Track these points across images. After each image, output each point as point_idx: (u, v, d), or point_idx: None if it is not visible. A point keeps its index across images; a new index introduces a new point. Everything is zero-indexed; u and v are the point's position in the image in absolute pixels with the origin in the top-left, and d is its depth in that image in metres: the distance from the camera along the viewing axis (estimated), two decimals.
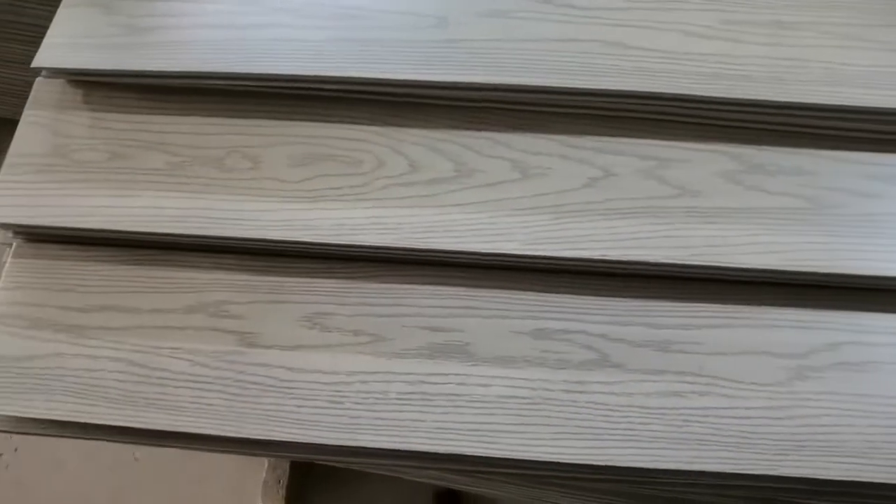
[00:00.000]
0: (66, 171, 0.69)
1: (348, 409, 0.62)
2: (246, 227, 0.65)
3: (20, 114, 1.28)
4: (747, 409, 0.62)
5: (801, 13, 0.70)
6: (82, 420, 0.63)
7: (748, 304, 0.66)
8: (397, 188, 0.67)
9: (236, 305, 0.67)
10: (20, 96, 1.39)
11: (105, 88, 0.73)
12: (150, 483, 1.35)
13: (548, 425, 0.62)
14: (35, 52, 0.72)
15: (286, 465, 1.33)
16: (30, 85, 1.27)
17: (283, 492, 1.32)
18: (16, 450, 1.38)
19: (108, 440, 0.66)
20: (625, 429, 0.62)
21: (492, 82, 0.66)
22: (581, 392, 0.63)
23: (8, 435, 1.40)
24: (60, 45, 0.71)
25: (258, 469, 1.33)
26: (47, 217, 0.68)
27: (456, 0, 0.71)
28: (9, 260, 0.70)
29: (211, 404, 0.63)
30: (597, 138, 0.69)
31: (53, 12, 0.77)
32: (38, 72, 0.73)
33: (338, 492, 1.36)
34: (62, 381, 0.64)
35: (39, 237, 0.71)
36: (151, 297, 0.68)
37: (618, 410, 0.62)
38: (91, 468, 1.36)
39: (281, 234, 0.65)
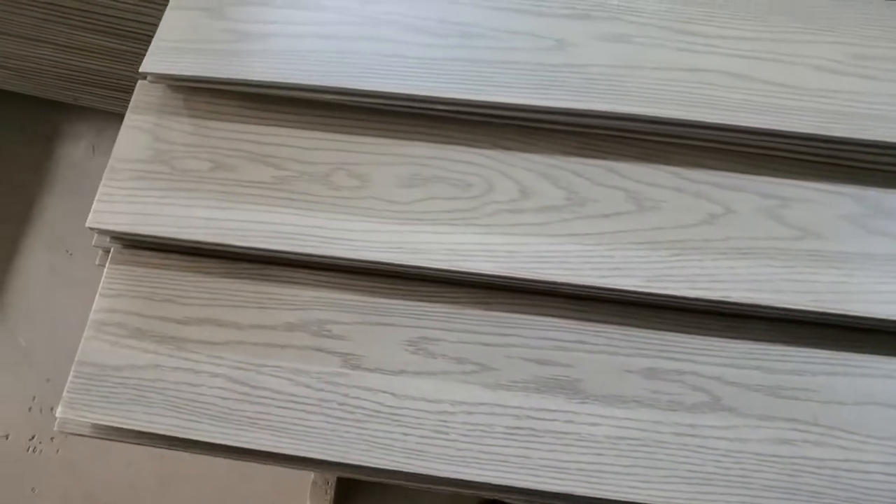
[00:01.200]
0: (168, 179, 0.68)
1: (454, 440, 0.61)
2: (355, 248, 0.64)
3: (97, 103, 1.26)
4: (864, 462, 0.60)
5: None
6: (184, 436, 0.62)
7: (865, 351, 0.64)
8: (508, 214, 0.65)
9: (339, 325, 0.66)
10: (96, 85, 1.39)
11: (207, 94, 0.72)
12: (198, 474, 1.35)
13: (658, 468, 0.60)
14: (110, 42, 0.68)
15: None
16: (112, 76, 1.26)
17: (331, 493, 1.32)
18: (67, 434, 1.39)
19: (205, 454, 0.66)
20: (737, 475, 0.60)
21: (611, 111, 0.64)
22: (692, 435, 0.61)
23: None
24: (169, 50, 0.69)
25: None
26: (148, 226, 0.67)
27: (574, 22, 0.69)
28: (107, 266, 0.69)
29: (314, 427, 0.62)
30: (714, 172, 0.67)
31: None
32: (126, 63, 0.72)
33: (382, 495, 1.36)
34: (163, 394, 0.64)
35: (138, 244, 0.70)
36: (252, 312, 0.67)
37: (729, 456, 0.61)
38: (140, 456, 1.36)
39: (391, 256, 0.64)
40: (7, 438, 1.37)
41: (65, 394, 0.64)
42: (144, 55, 0.69)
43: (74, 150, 1.61)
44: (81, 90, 1.45)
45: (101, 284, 0.68)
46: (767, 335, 0.65)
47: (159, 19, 0.71)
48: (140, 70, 0.68)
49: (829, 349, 0.64)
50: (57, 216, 1.56)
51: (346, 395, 0.63)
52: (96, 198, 0.68)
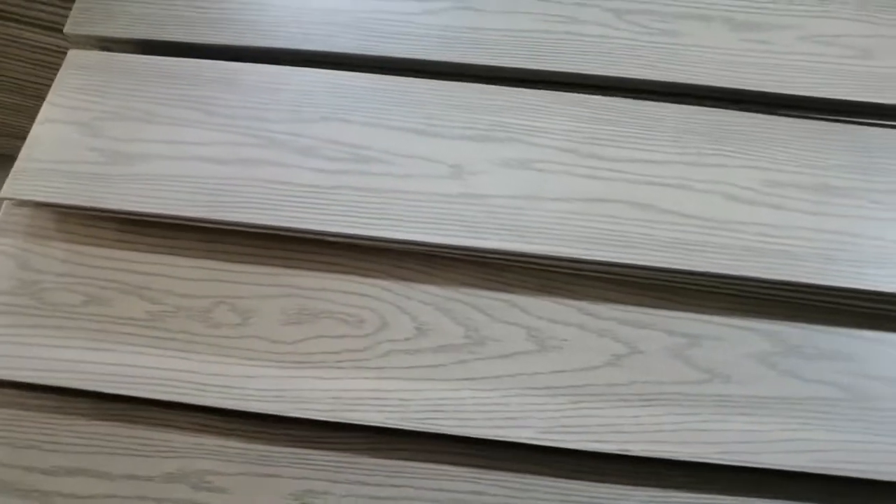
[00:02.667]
0: (35, 315, 0.63)
1: None
2: (233, 396, 0.59)
3: None
4: None
5: (851, 176, 0.65)
6: None
7: (778, 497, 0.61)
8: (402, 356, 0.61)
9: (221, 477, 0.61)
10: None
11: (80, 216, 0.66)
12: None
13: None
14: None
15: None
16: None
17: None
18: None
19: None
20: None
21: (510, 250, 0.60)
22: None
23: None
24: (35, 171, 0.63)
25: None
26: (9, 369, 0.61)
27: (473, 145, 0.65)
28: None
29: None
30: (620, 307, 0.63)
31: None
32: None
33: None
34: None
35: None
36: (127, 460, 0.61)
37: None
38: None
39: (271, 407, 0.59)
40: None
41: None
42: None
43: None
44: None
45: None
46: (673, 480, 0.61)
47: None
48: (0, 195, 0.63)
49: (739, 495, 0.61)
50: None
51: None
52: None
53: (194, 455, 0.62)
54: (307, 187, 0.63)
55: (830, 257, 0.61)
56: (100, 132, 0.65)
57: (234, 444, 0.62)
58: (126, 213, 0.63)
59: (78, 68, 0.69)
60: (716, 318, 0.63)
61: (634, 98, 0.71)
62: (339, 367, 0.61)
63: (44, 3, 0.96)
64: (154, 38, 0.73)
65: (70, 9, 0.76)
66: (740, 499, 0.61)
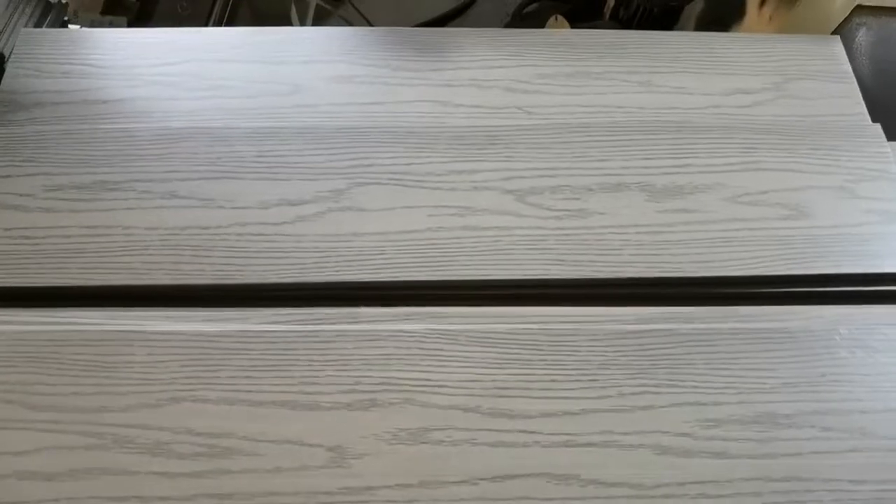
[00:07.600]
0: None
1: None
2: None
3: None
4: None
5: (798, 398, 0.56)
6: None
7: None
8: None
9: None
10: None
11: None
12: None
13: None
14: None
15: None
16: None
17: None
18: None
19: None
20: None
21: None
22: None
23: None
24: None
25: None
26: None
27: (356, 416, 0.54)
28: None
29: None
30: None
31: None
32: None
33: None
34: None
35: None
36: None
37: None
38: None
39: None
40: None
41: None
42: None
43: None
44: None
45: None
46: None
47: None
48: None
49: None
50: None
51: None
52: None
53: None
54: (157, 501, 0.51)
55: None
56: None
57: None
58: None
59: None
60: None
61: (541, 301, 0.61)
62: None
63: None
64: None
65: None
66: None
